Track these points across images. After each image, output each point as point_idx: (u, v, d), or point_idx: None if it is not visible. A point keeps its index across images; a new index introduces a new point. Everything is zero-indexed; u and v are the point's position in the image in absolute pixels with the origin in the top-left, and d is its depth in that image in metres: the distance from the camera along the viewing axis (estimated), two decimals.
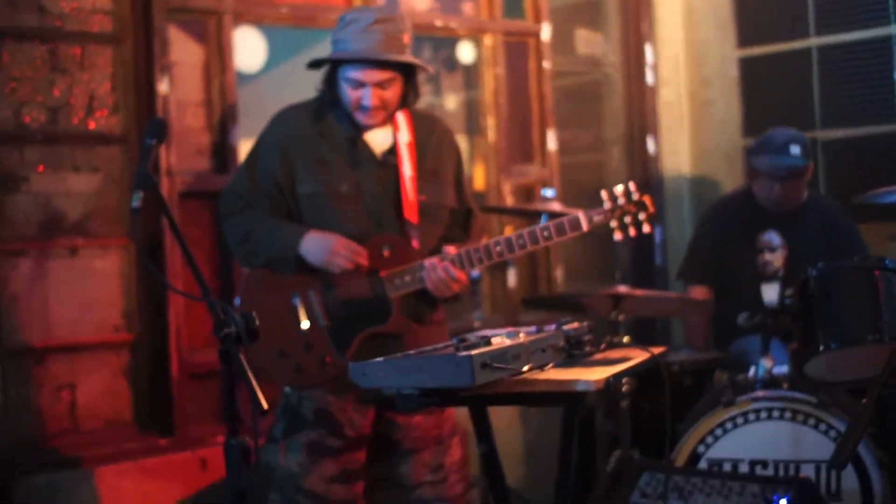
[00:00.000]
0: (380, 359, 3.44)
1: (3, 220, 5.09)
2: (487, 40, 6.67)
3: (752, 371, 4.98)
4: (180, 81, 5.47)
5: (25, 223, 5.14)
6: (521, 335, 3.62)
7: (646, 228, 4.37)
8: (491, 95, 6.68)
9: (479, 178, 6.81)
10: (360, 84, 4.27)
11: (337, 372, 4.29)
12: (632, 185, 4.35)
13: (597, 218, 4.30)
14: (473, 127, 6.84)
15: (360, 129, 4.41)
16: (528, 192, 6.79)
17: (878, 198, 5.72)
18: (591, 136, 7.44)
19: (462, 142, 6.92)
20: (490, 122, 6.67)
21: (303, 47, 6.11)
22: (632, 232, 4.35)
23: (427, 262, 4.28)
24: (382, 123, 4.41)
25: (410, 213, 4.38)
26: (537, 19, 6.86)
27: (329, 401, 4.35)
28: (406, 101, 4.43)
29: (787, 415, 4.77)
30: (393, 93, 4.33)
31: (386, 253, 4.33)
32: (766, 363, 4.95)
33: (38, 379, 5.15)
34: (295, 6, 5.85)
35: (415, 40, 7.19)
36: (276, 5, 5.80)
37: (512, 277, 6.63)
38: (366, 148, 4.41)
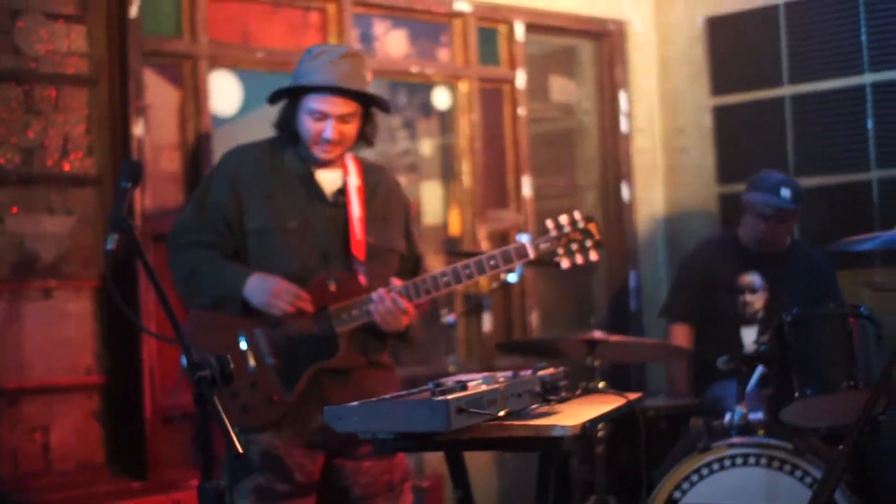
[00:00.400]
0: (355, 403, 3.42)
1: None
2: (463, 86, 6.69)
3: (727, 417, 4.98)
4: (155, 124, 5.47)
5: None
6: (498, 380, 3.60)
7: (593, 256, 4.35)
8: (466, 141, 6.70)
9: (454, 223, 6.82)
10: (322, 116, 4.26)
11: (284, 410, 4.24)
12: (577, 214, 4.32)
13: (543, 245, 4.27)
14: (448, 172, 6.85)
15: (312, 168, 4.39)
16: (503, 238, 6.80)
17: (852, 245, 5.77)
18: (565, 182, 7.46)
19: (437, 187, 6.96)
20: (465, 168, 6.68)
21: None
22: (579, 259, 4.32)
23: (374, 293, 4.26)
24: (337, 160, 4.40)
25: (358, 251, 4.35)
26: (513, 66, 6.89)
27: (276, 444, 4.28)
28: (361, 140, 4.42)
29: (763, 461, 4.76)
30: (351, 129, 4.32)
31: (332, 287, 4.28)
32: (741, 409, 4.95)
33: (10, 420, 5.12)
34: (270, 51, 5.87)
35: (390, 86, 7.26)
36: (252, 49, 5.81)
37: (487, 322, 6.62)
38: (316, 187, 4.39)
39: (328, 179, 4.41)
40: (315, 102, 4.26)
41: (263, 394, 4.25)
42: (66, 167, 5.30)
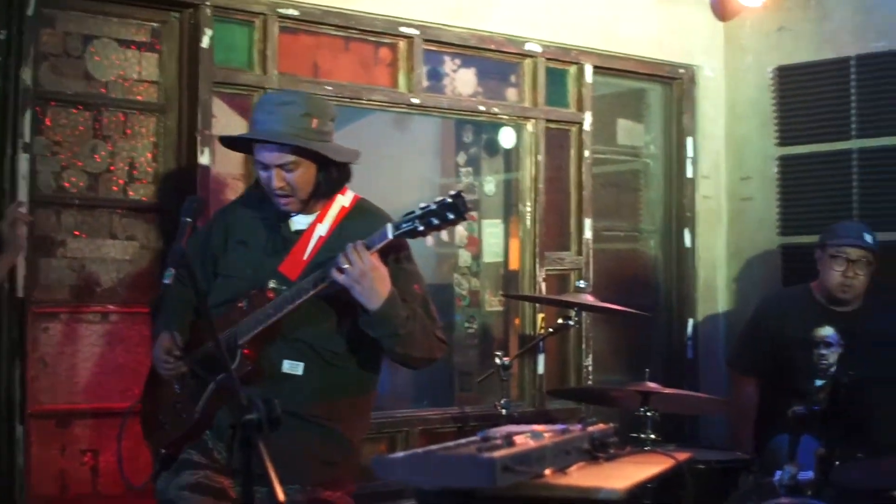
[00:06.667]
0: (400, 454, 3.42)
1: (37, 283, 5.12)
2: (529, 127, 6.69)
3: (777, 475, 4.94)
4: (222, 154, 5.48)
5: (59, 287, 5.19)
6: (546, 436, 3.59)
7: (460, 228, 4.11)
8: (530, 181, 6.68)
9: (513, 262, 6.81)
10: (265, 166, 4.19)
11: (189, 425, 4.21)
12: (451, 191, 4.02)
13: (404, 225, 3.99)
14: (511, 211, 6.85)
15: (282, 215, 4.32)
16: (562, 279, 6.78)
17: None
18: (628, 225, 7.43)
19: (498, 225, 6.95)
20: (528, 208, 6.67)
21: (346, 124, 6.15)
22: (442, 231, 4.11)
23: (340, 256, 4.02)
24: (299, 209, 4.29)
25: (291, 270, 4.24)
26: (580, 108, 6.88)
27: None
28: (324, 187, 4.27)
29: None
30: (300, 177, 4.19)
31: (241, 304, 4.21)
32: (791, 468, 4.90)
33: (61, 442, 5.17)
34: (339, 85, 5.89)
35: (456, 123, 7.27)
36: (320, 83, 5.83)
37: (541, 364, 6.60)
38: (286, 230, 4.32)
39: (298, 222, 4.34)
40: (257, 154, 4.21)
41: (179, 412, 4.25)
42: (131, 193, 5.36)
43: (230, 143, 4.49)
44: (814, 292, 6.26)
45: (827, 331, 6.02)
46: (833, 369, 5.97)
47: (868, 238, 6.13)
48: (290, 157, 4.17)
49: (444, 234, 7.48)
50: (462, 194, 3.93)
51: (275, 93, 4.35)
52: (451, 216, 3.93)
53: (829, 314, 6.13)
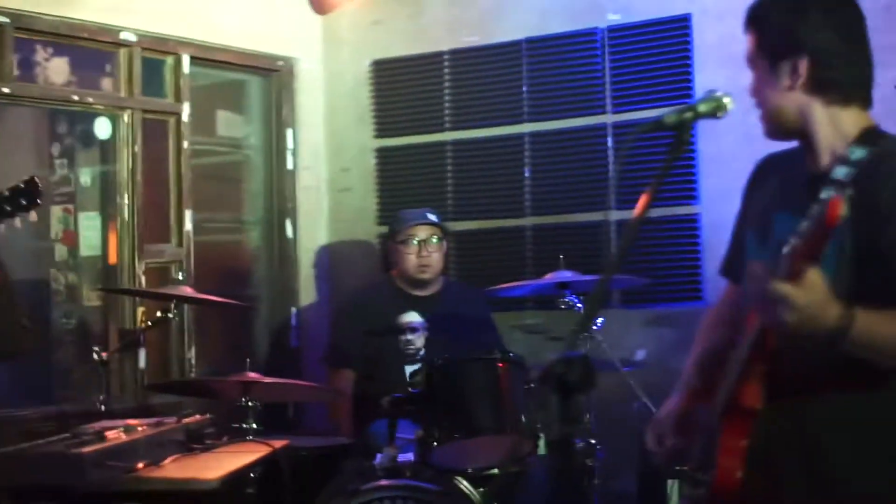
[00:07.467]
0: None
1: None
2: (125, 117, 6.57)
3: (377, 459, 5.04)
4: None
5: None
6: (140, 429, 3.56)
7: (32, 217, 4.09)
8: (127, 173, 6.57)
9: (112, 255, 6.68)
10: None
11: None
12: (25, 177, 4.01)
13: None
14: (108, 203, 6.72)
15: None
16: (162, 272, 6.70)
17: (502, 291, 5.99)
18: (230, 216, 7.42)
19: (96, 218, 6.80)
20: (125, 200, 6.55)
21: None
22: (16, 220, 4.07)
23: None
24: None
25: None
26: (178, 99, 6.81)
27: None
28: None
29: (411, 503, 4.83)
30: None
31: None
32: (390, 451, 5.02)
33: None
34: None
35: (50, 113, 7.06)
36: None
37: (143, 358, 6.50)
38: None
39: None
40: None
41: None
42: None
43: None
44: (395, 280, 6.37)
45: (411, 316, 6.18)
46: (422, 353, 6.14)
47: (432, 216, 6.30)
48: None
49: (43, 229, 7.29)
50: (35, 179, 3.83)
51: None
52: (25, 202, 3.83)
53: (412, 300, 6.27)
